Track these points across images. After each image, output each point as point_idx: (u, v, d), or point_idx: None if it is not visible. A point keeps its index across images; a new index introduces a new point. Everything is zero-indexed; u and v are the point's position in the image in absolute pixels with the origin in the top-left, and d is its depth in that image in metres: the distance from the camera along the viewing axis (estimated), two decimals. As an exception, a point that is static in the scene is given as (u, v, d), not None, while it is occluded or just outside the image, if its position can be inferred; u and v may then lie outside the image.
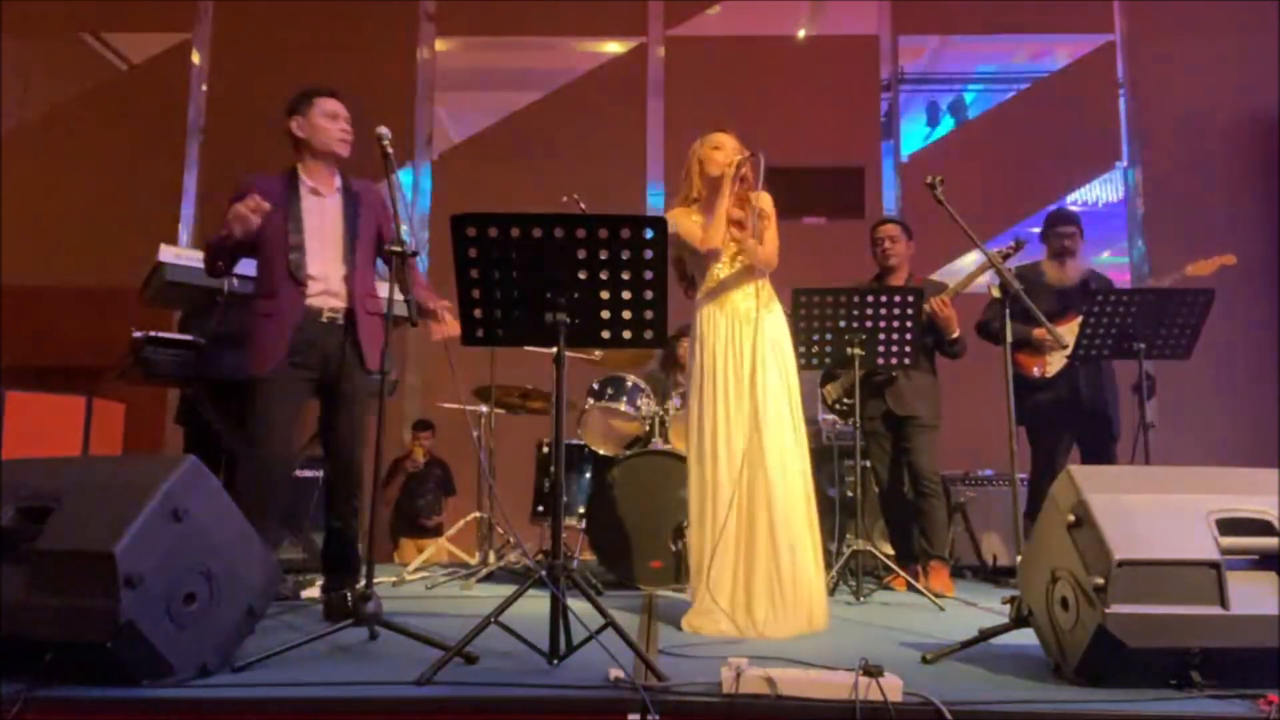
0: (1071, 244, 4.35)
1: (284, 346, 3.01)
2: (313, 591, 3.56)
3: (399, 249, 2.71)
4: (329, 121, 3.18)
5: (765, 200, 3.12)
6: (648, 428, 4.33)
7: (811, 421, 5.28)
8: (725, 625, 2.84)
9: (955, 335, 4.11)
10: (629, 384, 4.36)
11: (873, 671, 1.88)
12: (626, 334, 2.46)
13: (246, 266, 3.86)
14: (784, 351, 3.07)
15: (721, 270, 3.11)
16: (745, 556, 2.89)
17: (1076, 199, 7.31)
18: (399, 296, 2.78)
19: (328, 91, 3.24)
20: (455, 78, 7.63)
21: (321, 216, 3.14)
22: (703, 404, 3.02)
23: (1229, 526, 2.11)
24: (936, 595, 3.72)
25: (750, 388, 2.96)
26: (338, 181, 3.20)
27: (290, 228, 3.07)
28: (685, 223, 3.13)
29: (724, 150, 3.12)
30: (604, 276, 2.39)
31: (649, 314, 2.44)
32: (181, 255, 3.86)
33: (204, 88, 7.09)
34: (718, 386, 3.00)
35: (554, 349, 2.45)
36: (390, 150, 2.80)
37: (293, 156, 3.22)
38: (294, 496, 4.09)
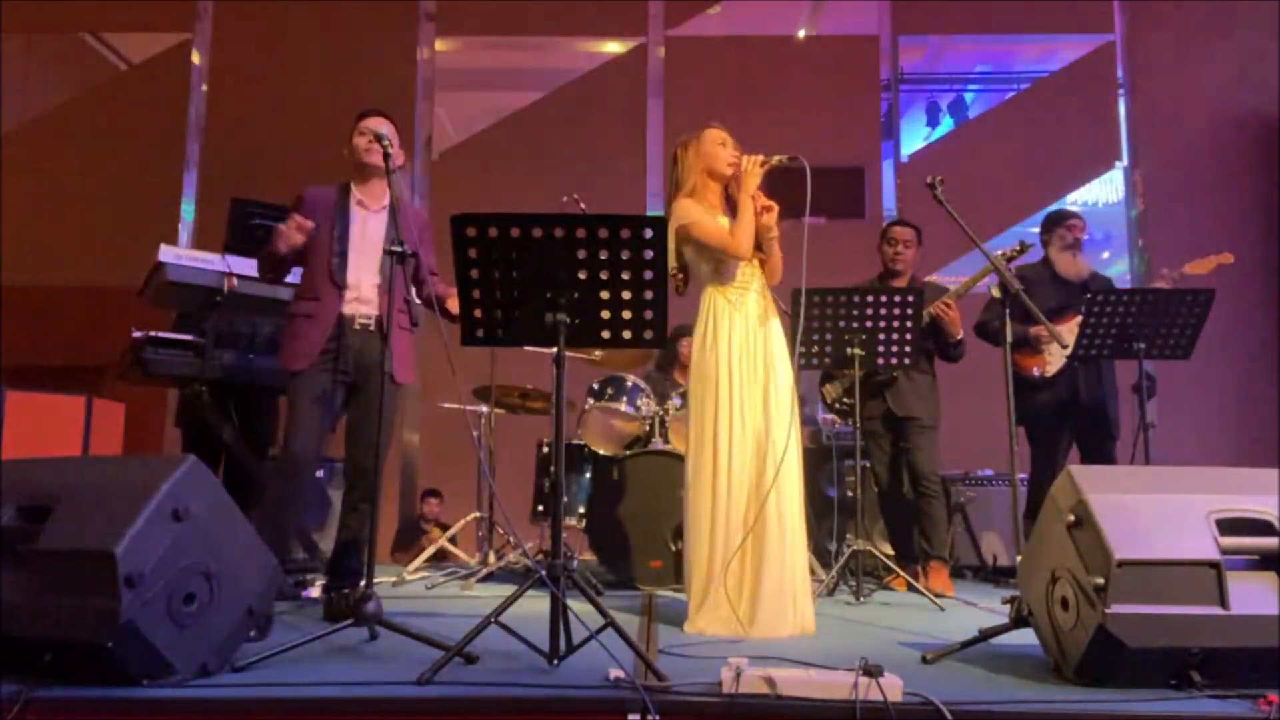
0: (1082, 235, 4.36)
1: (319, 346, 3.19)
2: (313, 591, 3.56)
3: (399, 249, 2.72)
4: (360, 137, 3.35)
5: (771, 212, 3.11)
6: (648, 428, 4.33)
7: (811, 421, 5.29)
8: (727, 626, 2.84)
9: (959, 338, 4.11)
10: (629, 384, 4.36)
11: (873, 671, 1.88)
12: (626, 334, 2.45)
13: (248, 267, 3.89)
14: (785, 352, 3.06)
15: (743, 270, 3.04)
16: (755, 557, 2.88)
17: (1076, 199, 7.30)
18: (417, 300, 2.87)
19: (368, 111, 3.39)
20: (455, 78, 7.63)
21: (364, 229, 3.32)
22: (719, 403, 2.95)
23: (1229, 526, 2.11)
24: (936, 595, 3.72)
25: (764, 391, 2.96)
26: (386, 198, 3.34)
27: (336, 236, 3.27)
28: (703, 217, 3.01)
29: (728, 146, 3.07)
30: (604, 276, 2.38)
31: (649, 314, 2.43)
32: (181, 255, 3.86)
33: (204, 88, 7.08)
34: (734, 387, 2.95)
35: (554, 349, 2.45)
36: (391, 151, 2.87)
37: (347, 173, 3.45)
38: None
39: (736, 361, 2.97)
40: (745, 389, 2.96)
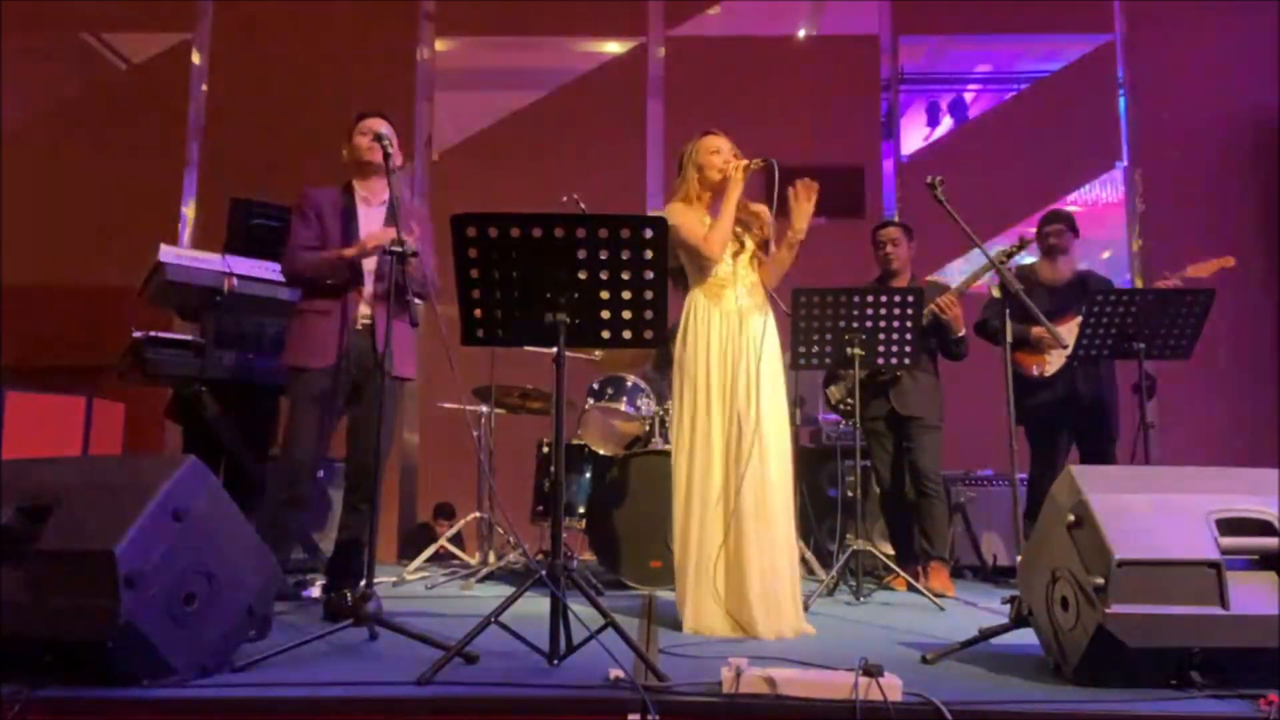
0: (1059, 241, 4.35)
1: (335, 346, 3.18)
2: (313, 591, 3.56)
3: (399, 249, 2.72)
4: (360, 137, 3.34)
5: (765, 211, 3.11)
6: (648, 428, 4.33)
7: (812, 421, 5.29)
8: (725, 625, 2.85)
9: (960, 335, 4.11)
10: (629, 384, 4.35)
11: (873, 671, 1.88)
12: (626, 334, 2.46)
13: (248, 267, 3.89)
14: (776, 349, 3.07)
15: (721, 267, 3.08)
16: (737, 557, 2.89)
17: (1076, 199, 7.30)
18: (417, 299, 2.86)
19: (368, 112, 3.39)
20: (455, 78, 7.63)
21: (367, 226, 3.31)
22: (696, 401, 3.00)
23: (1229, 526, 2.11)
24: (936, 595, 3.72)
25: (747, 388, 2.96)
26: (385, 195, 3.34)
27: (348, 234, 3.26)
28: (688, 219, 3.07)
29: (722, 154, 3.10)
30: (604, 276, 2.39)
31: (649, 314, 2.44)
32: (182, 255, 3.86)
33: (204, 88, 7.08)
34: (711, 383, 2.99)
35: (554, 349, 2.45)
36: (391, 151, 2.87)
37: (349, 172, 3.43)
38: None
39: (715, 358, 3.00)
40: (723, 385, 2.98)
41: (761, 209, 3.13)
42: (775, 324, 3.12)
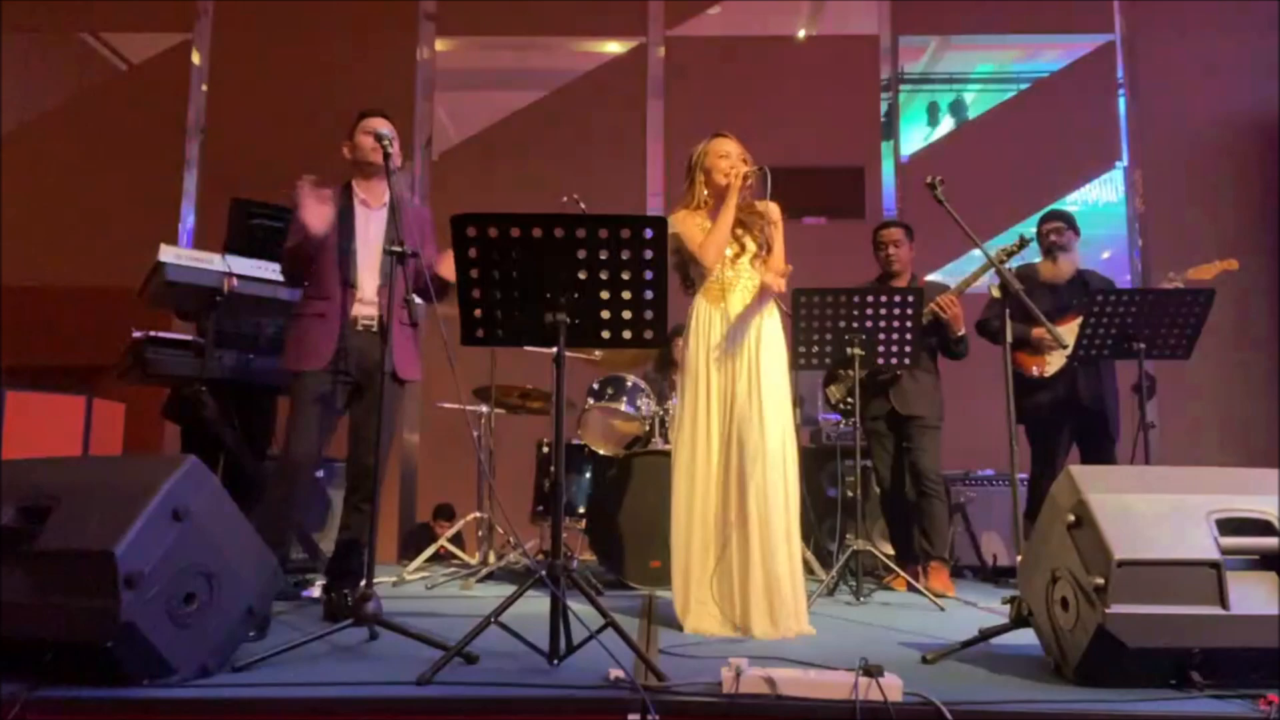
0: (1059, 239, 4.35)
1: (331, 347, 3.17)
2: (313, 591, 3.56)
3: (398, 249, 2.72)
4: (363, 136, 3.32)
5: (774, 210, 3.12)
6: (648, 428, 4.33)
7: (812, 421, 5.29)
8: (724, 625, 2.85)
9: (960, 334, 4.11)
10: (629, 384, 4.35)
11: (873, 671, 1.88)
12: (626, 334, 2.46)
13: (248, 267, 3.89)
14: (779, 350, 3.07)
15: (723, 270, 3.09)
16: (740, 558, 2.89)
17: (1076, 199, 7.30)
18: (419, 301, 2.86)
19: (371, 111, 3.38)
20: (455, 78, 7.63)
21: (367, 227, 3.30)
22: (697, 402, 3.01)
23: (1229, 526, 2.11)
24: (936, 595, 3.72)
25: (747, 390, 2.96)
26: (386, 197, 3.32)
27: (343, 235, 3.23)
28: (689, 227, 3.09)
29: (730, 158, 3.10)
30: (604, 276, 2.39)
31: (649, 314, 2.44)
32: (181, 255, 3.86)
33: (204, 88, 7.08)
34: (710, 384, 3.00)
35: (554, 349, 2.45)
36: (391, 151, 2.88)
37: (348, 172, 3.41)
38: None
39: (716, 359, 3.01)
40: (723, 387, 2.99)
41: (768, 207, 3.12)
42: (778, 325, 3.12)
